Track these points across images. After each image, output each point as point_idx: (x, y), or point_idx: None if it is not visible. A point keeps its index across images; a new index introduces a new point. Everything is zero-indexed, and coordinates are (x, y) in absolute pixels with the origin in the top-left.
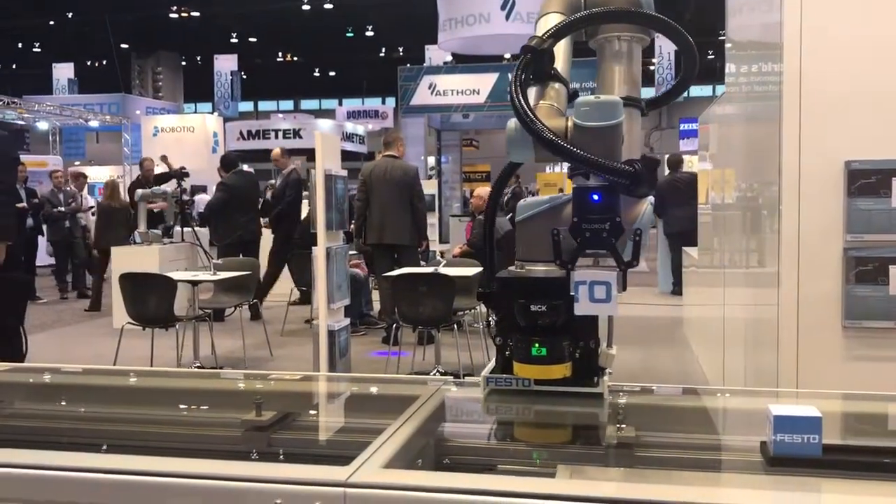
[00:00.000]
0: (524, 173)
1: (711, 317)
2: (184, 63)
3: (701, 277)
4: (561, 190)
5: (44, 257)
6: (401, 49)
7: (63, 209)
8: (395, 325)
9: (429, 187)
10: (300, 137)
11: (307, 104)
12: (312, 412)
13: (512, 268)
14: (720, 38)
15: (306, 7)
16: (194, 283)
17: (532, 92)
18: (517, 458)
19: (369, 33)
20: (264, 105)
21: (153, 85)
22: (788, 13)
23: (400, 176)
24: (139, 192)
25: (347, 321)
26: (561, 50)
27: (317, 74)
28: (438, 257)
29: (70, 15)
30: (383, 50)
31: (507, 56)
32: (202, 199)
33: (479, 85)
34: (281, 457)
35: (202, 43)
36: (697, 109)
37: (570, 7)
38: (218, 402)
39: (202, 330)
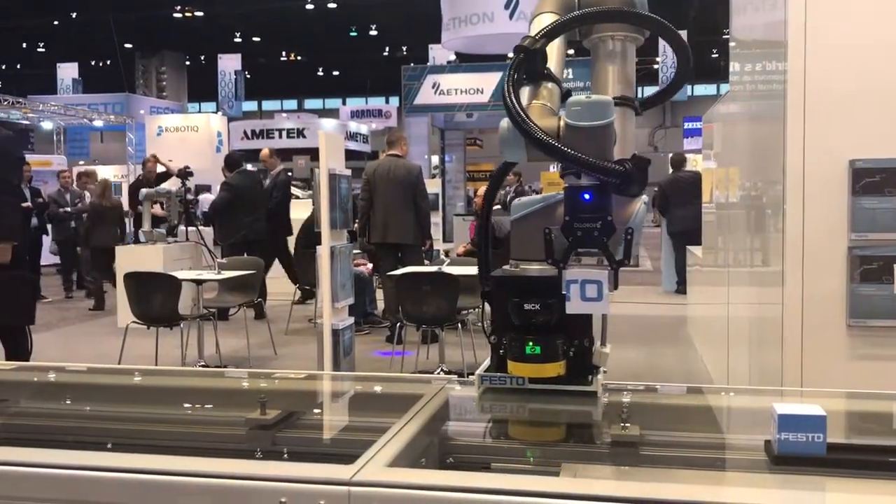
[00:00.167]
0: (528, 172)
1: (716, 316)
2: (188, 63)
3: (705, 276)
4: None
5: (47, 256)
6: (404, 48)
7: (69, 209)
8: (398, 324)
9: (432, 186)
10: (304, 137)
11: (311, 103)
12: (317, 411)
13: (507, 267)
14: (724, 36)
15: (310, 6)
16: (199, 283)
17: (525, 91)
18: (521, 457)
19: (373, 32)
20: (268, 104)
21: (157, 84)
22: (793, 12)
23: (403, 175)
24: (143, 191)
25: (351, 320)
26: (554, 50)
27: (320, 74)
28: (442, 256)
29: (74, 15)
30: (387, 49)
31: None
32: (206, 199)
33: (483, 84)
34: (285, 455)
35: (206, 42)
36: (701, 108)
37: (564, 7)
38: (222, 401)
39: (206, 329)
